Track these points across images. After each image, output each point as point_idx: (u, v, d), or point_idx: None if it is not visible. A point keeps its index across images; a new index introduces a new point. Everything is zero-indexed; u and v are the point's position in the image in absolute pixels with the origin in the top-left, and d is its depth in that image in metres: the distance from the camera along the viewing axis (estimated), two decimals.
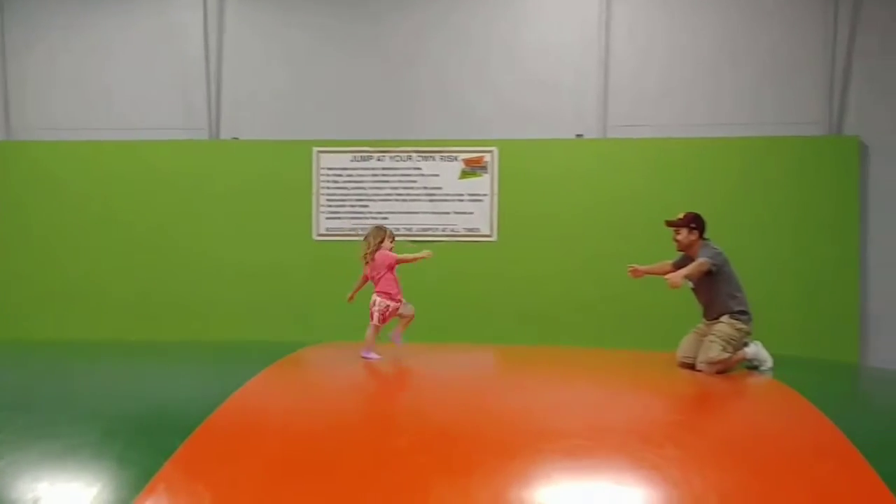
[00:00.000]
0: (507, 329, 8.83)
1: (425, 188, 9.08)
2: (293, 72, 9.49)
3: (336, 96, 9.42)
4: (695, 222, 5.12)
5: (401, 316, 5.53)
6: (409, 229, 9.03)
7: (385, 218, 9.02)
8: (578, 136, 9.06)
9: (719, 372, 4.63)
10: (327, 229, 9.16)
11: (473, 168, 9.01)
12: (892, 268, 8.68)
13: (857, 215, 8.59)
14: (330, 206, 9.16)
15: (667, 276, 4.92)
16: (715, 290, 4.94)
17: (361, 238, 5.70)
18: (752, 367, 4.85)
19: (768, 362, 4.89)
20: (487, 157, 9.00)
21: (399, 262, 5.38)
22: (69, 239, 9.40)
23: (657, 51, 9.08)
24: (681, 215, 5.17)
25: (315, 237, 9.16)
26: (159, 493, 2.89)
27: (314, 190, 9.16)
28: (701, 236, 5.12)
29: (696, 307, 5.23)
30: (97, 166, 9.40)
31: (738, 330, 4.80)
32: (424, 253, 5.44)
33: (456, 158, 9.04)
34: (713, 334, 4.78)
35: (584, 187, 8.86)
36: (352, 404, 3.81)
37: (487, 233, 8.99)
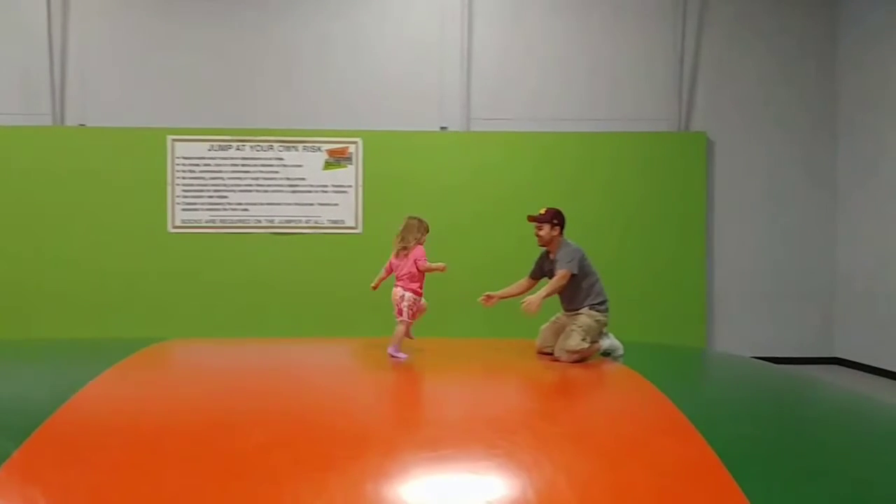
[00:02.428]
0: (371, 321, 8.79)
1: (288, 179, 8.90)
2: (146, 54, 9.05)
3: (192, 82, 9.07)
4: (556, 218, 5.13)
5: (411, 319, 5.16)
6: (272, 221, 8.84)
7: (245, 209, 8.80)
8: (443, 128, 9.15)
9: (576, 361, 4.75)
10: (183, 221, 8.80)
11: (338, 159, 8.91)
12: (736, 257, 9.30)
13: (704, 207, 9.12)
14: (186, 196, 8.80)
15: (525, 302, 4.86)
16: (576, 286, 5.00)
17: (400, 227, 5.22)
18: (606, 354, 5.03)
19: (620, 350, 5.09)
20: (352, 148, 8.92)
21: (427, 269, 5.00)
22: None
23: (519, 47, 9.28)
24: (542, 210, 5.17)
25: (170, 229, 8.80)
26: None
27: (169, 180, 8.79)
28: (561, 232, 5.19)
29: (556, 299, 5.31)
30: None
31: (598, 321, 4.93)
32: (442, 265, 5.00)
33: (319, 149, 8.91)
34: (574, 324, 4.87)
35: (449, 179, 8.95)
36: (202, 402, 3.67)
37: (353, 225, 8.92)
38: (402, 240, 5.09)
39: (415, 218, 5.20)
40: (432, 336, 6.70)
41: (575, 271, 4.91)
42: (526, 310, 4.82)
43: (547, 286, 4.98)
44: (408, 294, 5.00)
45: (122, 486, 2.83)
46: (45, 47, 8.83)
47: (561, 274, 4.93)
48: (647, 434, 3.21)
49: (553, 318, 5.19)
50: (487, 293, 5.23)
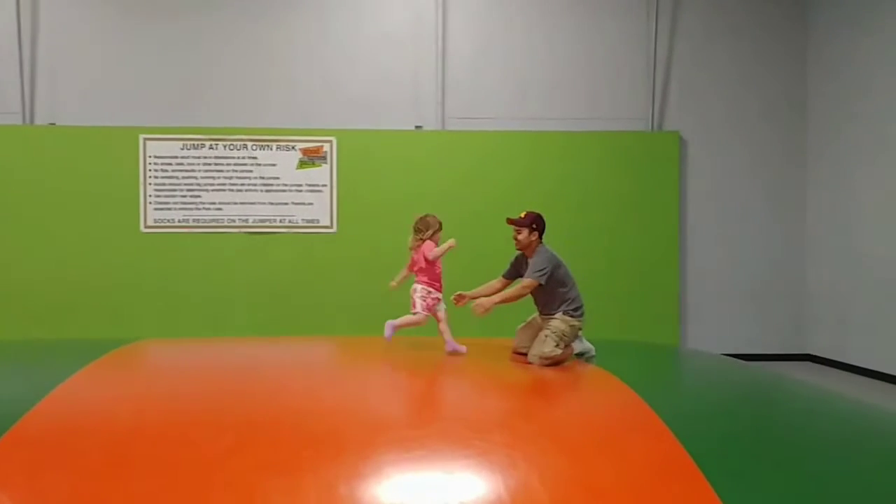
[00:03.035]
0: (347, 321, 8.80)
1: (262, 178, 8.85)
2: (117, 53, 8.96)
3: (165, 81, 8.98)
4: (536, 223, 5.03)
5: (437, 318, 5.09)
6: (246, 221, 8.79)
7: (219, 209, 8.74)
8: (418, 127, 9.14)
9: (550, 365, 4.73)
10: (156, 221, 8.73)
11: (312, 158, 8.88)
12: (708, 255, 9.39)
13: (678, 206, 9.20)
14: (159, 196, 8.73)
15: (476, 303, 4.85)
16: (550, 293, 4.92)
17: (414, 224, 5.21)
18: (579, 356, 5.03)
19: (592, 351, 5.09)
20: (326, 147, 8.89)
21: (435, 256, 4.98)
22: None
23: (494, 46, 9.30)
24: (523, 214, 5.07)
25: (143, 229, 8.71)
26: None
27: (141, 179, 8.70)
28: (540, 238, 5.08)
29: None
30: None
31: (572, 326, 4.89)
32: (451, 242, 5.00)
33: (293, 148, 8.87)
34: (548, 329, 4.84)
35: (424, 178, 8.95)
36: (175, 404, 3.63)
37: (327, 224, 8.89)
38: (418, 234, 5.12)
39: (430, 215, 5.22)
40: (408, 335, 6.68)
41: (542, 282, 4.85)
42: (475, 310, 4.82)
43: (507, 291, 4.95)
44: (419, 286, 5.04)
45: (93, 491, 2.80)
46: (14, 46, 8.71)
47: (526, 283, 4.89)
48: (620, 433, 3.24)
49: (529, 319, 5.16)
50: (459, 292, 5.18)
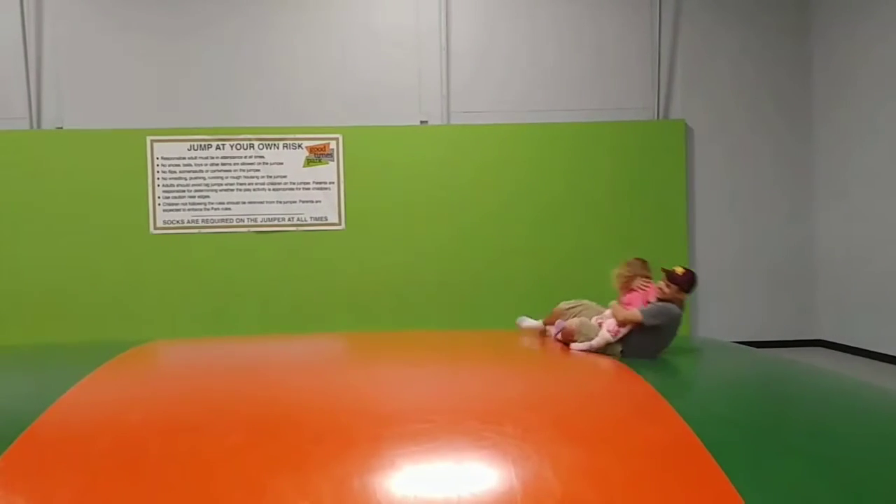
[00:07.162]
0: (356, 317, 8.82)
1: (269, 177, 8.87)
2: (122, 55, 8.98)
3: (170, 82, 9.01)
4: (691, 289, 4.78)
5: (609, 332, 4.79)
6: (254, 220, 8.81)
7: (228, 209, 8.77)
8: (423, 122, 9.14)
9: (569, 341, 4.64)
10: (165, 222, 8.76)
11: (318, 156, 8.89)
12: (717, 243, 9.37)
13: (685, 194, 9.17)
14: (168, 197, 8.76)
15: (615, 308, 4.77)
16: (642, 340, 4.62)
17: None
18: None
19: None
20: (332, 145, 8.90)
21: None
22: None
23: (498, 38, 9.28)
24: (680, 270, 4.80)
25: (153, 230, 8.75)
26: None
27: (149, 181, 8.73)
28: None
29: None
30: None
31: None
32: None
33: (300, 146, 8.88)
34: (619, 354, 4.59)
35: (430, 173, 8.96)
36: (187, 404, 3.64)
37: (336, 221, 8.91)
38: (629, 276, 5.07)
39: (638, 261, 5.20)
40: (417, 329, 6.71)
41: (645, 323, 4.57)
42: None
43: (625, 313, 4.70)
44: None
45: (105, 491, 2.81)
46: (20, 50, 8.74)
47: (635, 313, 4.63)
48: (632, 422, 3.24)
49: (599, 317, 4.90)
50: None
